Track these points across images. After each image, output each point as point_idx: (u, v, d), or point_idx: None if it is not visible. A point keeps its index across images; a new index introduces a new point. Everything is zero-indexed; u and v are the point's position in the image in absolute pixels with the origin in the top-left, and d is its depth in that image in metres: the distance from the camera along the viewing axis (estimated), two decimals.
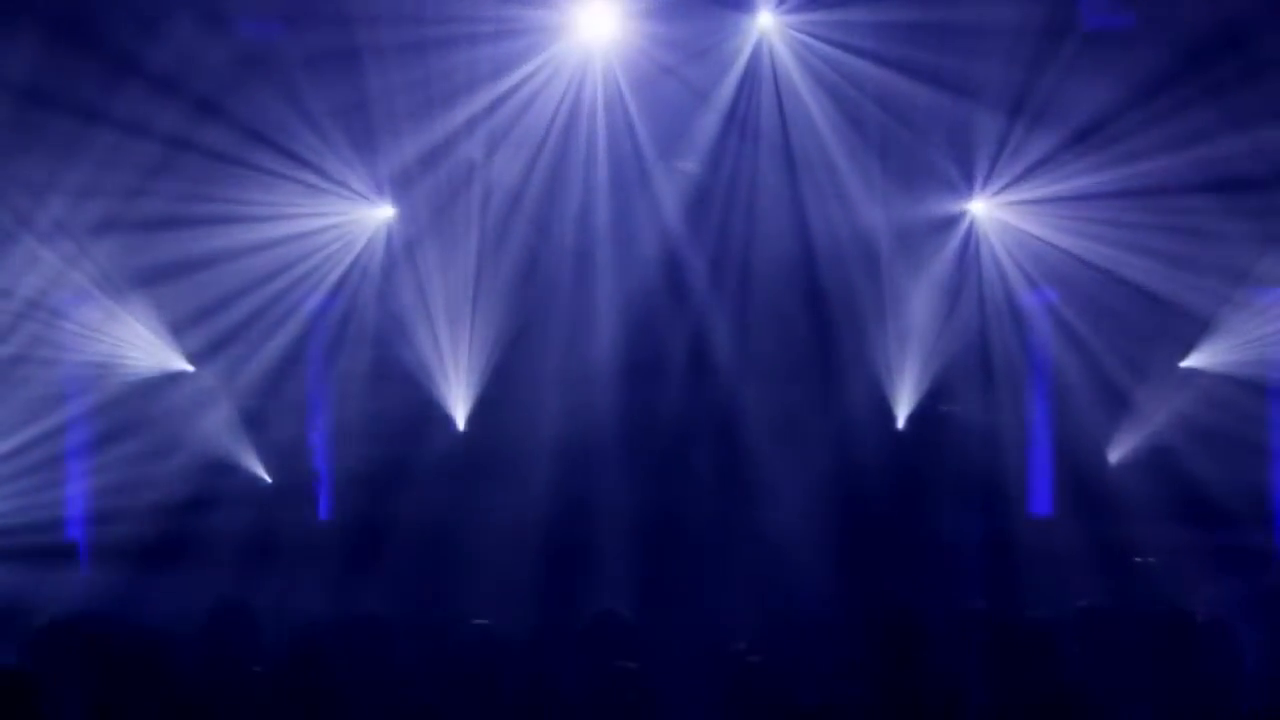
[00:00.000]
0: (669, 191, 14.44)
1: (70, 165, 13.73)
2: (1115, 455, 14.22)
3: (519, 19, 13.95)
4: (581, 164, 14.38)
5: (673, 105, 14.28)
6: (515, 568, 12.65)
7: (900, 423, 14.43)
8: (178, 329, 14.27)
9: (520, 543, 13.14)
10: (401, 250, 14.52)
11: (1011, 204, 14.35)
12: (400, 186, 14.49)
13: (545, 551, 13.11)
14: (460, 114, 14.19)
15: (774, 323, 14.49)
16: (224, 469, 14.21)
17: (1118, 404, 14.24)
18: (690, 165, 14.36)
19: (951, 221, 14.48)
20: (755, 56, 14.17)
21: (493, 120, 14.23)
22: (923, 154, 14.33)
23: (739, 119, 14.30)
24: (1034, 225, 14.32)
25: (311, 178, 14.28)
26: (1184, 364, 14.18)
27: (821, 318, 14.45)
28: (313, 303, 14.70)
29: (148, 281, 14.16)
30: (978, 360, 14.42)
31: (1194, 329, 14.10)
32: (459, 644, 9.31)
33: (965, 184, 14.37)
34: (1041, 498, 14.59)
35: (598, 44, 14.15)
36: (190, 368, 14.35)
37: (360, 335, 14.51)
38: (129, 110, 13.68)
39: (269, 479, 14.35)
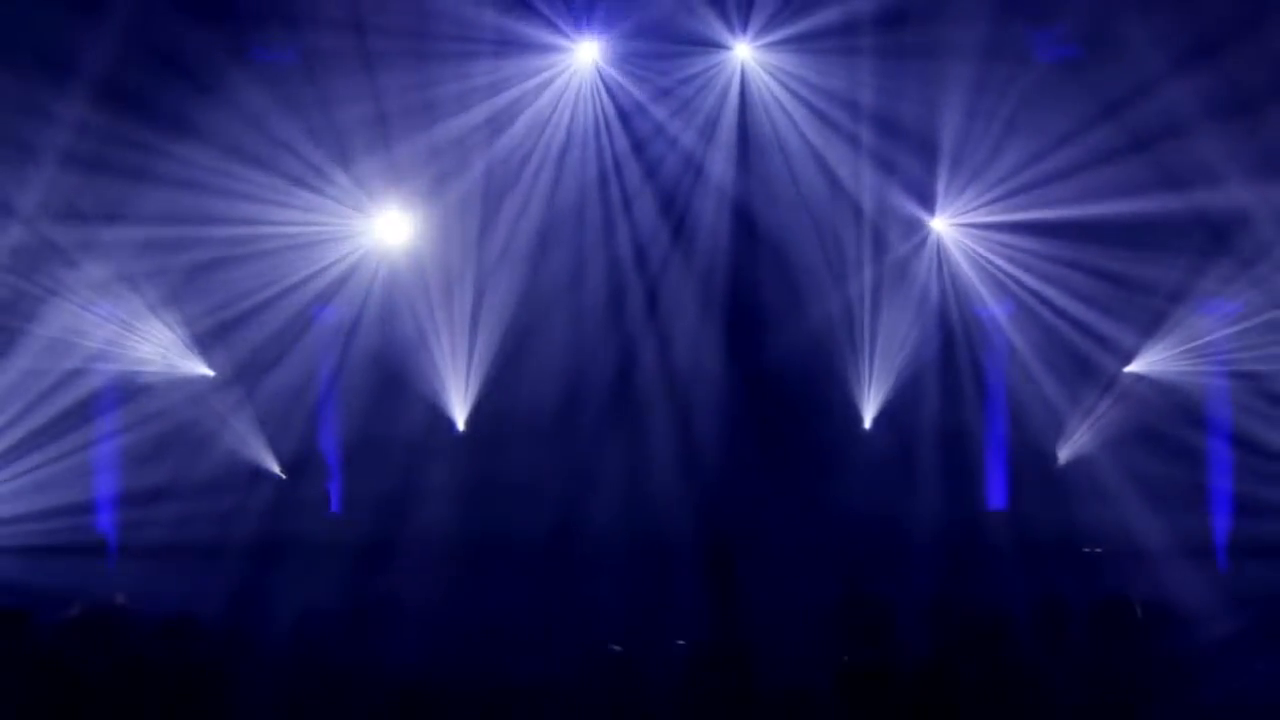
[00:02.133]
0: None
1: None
2: (1066, 454, 14.69)
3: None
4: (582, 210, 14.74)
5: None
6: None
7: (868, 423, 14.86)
8: (196, 336, 14.46)
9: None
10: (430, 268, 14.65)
11: (972, 222, 14.64)
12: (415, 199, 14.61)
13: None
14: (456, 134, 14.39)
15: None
16: (241, 467, 14.49)
17: (1068, 406, 14.65)
18: None
19: (917, 236, 14.83)
20: (743, 89, 14.39)
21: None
22: (893, 171, 14.61)
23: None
24: (993, 242, 14.63)
25: (322, 189, 14.42)
26: (1128, 369, 14.62)
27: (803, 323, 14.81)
28: (325, 311, 14.84)
29: (166, 289, 14.39)
30: (940, 366, 14.78)
31: (1138, 337, 14.52)
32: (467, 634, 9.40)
33: (930, 202, 14.68)
34: (998, 493, 15.04)
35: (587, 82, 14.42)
36: (209, 372, 14.60)
37: (373, 348, 14.74)
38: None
39: (283, 475, 14.66)
